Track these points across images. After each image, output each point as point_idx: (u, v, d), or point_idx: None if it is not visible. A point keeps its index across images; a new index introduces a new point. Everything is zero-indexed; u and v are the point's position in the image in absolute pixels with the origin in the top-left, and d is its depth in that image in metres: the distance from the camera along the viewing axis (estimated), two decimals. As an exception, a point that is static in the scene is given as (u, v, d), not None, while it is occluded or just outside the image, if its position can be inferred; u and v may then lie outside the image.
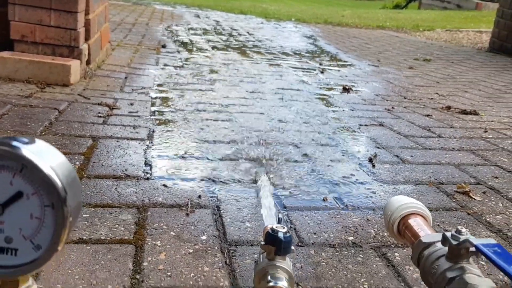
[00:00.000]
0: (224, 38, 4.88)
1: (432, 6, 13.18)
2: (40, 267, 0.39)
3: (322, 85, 2.93)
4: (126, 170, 1.34)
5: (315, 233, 1.09)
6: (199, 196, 1.22)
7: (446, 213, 1.25)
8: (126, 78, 2.55)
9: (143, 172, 1.34)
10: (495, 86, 3.38)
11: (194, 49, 3.93)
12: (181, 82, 2.59)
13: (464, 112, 2.45)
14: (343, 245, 1.05)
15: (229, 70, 3.12)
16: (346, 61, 4.06)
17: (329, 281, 0.91)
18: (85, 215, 1.06)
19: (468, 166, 1.62)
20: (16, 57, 2.17)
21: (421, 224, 0.80)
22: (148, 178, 1.30)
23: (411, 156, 1.69)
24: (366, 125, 2.06)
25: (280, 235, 0.62)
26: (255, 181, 1.35)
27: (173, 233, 1.03)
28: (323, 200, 1.28)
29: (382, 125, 2.08)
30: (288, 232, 0.64)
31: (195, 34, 4.95)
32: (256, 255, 0.96)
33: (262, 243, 0.64)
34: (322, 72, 3.39)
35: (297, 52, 4.39)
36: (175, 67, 3.03)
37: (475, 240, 0.60)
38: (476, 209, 1.28)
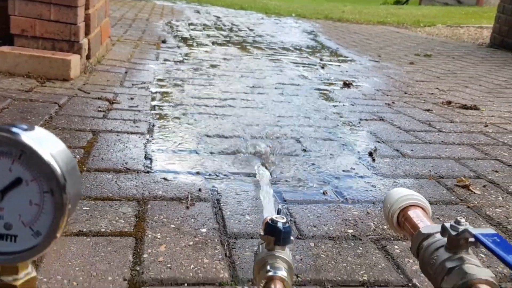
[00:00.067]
0: (225, 33, 4.88)
1: (433, 2, 13.15)
2: (39, 254, 0.39)
3: (322, 80, 2.93)
4: (126, 163, 1.34)
5: (314, 226, 1.09)
6: (199, 190, 1.22)
7: (446, 206, 1.25)
8: (126, 73, 2.55)
9: (143, 165, 1.34)
10: (495, 81, 3.38)
11: (194, 44, 3.93)
12: (181, 77, 2.59)
13: (464, 107, 2.45)
14: (342, 237, 1.05)
15: (229, 65, 3.11)
16: (347, 57, 4.05)
17: (328, 273, 0.91)
18: (85, 208, 1.06)
19: (468, 160, 1.62)
20: (16, 51, 2.17)
21: (421, 215, 0.80)
22: (148, 172, 1.30)
23: (411, 150, 1.69)
24: (366, 119, 2.06)
25: (280, 225, 0.62)
26: (255, 175, 1.35)
27: (173, 226, 1.03)
28: (323, 193, 1.28)
29: (383, 119, 2.08)
30: (288, 222, 0.64)
31: (195, 29, 4.95)
32: (256, 248, 0.96)
33: (262, 233, 0.64)
34: (322, 67, 3.38)
35: (297, 47, 4.38)
36: (175, 62, 3.03)
37: (474, 230, 0.60)
38: (476, 202, 1.29)
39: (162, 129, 1.68)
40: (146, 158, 1.40)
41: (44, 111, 1.72)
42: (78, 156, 1.34)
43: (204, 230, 1.03)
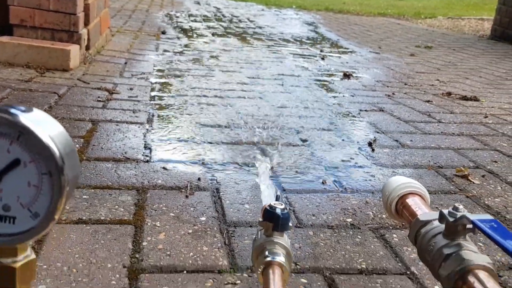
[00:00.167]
0: (225, 24, 4.86)
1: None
2: (37, 236, 0.39)
3: (322, 71, 2.92)
4: (125, 153, 1.34)
5: (313, 215, 1.10)
6: (199, 179, 1.23)
7: (445, 196, 1.26)
8: (125, 63, 2.54)
9: (142, 155, 1.34)
10: (496, 73, 3.37)
11: (194, 35, 3.92)
12: (181, 68, 2.59)
13: (464, 98, 2.45)
14: (341, 226, 1.06)
15: (229, 57, 3.11)
16: (347, 48, 4.04)
17: (327, 261, 0.91)
18: (85, 196, 1.07)
19: (468, 151, 1.62)
20: (15, 41, 2.16)
21: (419, 203, 0.80)
22: (147, 161, 1.30)
23: (411, 140, 1.69)
24: (366, 110, 2.06)
25: (278, 211, 0.62)
26: (254, 165, 1.36)
27: (173, 214, 1.03)
28: (322, 183, 1.28)
29: (382, 110, 2.08)
30: (286, 209, 0.64)
31: (195, 20, 4.93)
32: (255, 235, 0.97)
33: (260, 219, 0.64)
34: (322, 59, 3.37)
35: (297, 39, 4.36)
36: (175, 53, 3.02)
37: (472, 216, 0.60)
38: (475, 192, 1.29)
39: (161, 119, 1.68)
40: (145, 147, 1.40)
41: (43, 101, 1.71)
42: (77, 145, 1.34)
43: (203, 218, 1.03)
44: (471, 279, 0.59)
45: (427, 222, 0.71)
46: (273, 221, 0.62)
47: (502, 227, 0.57)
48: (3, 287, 0.42)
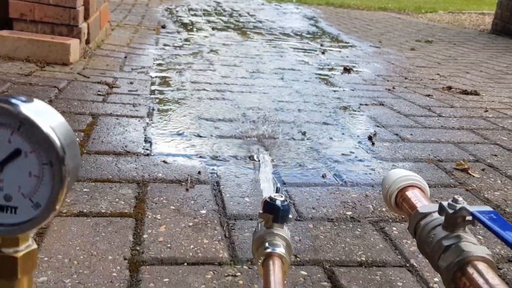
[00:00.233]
0: (225, 19, 4.85)
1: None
2: (39, 226, 0.40)
3: (323, 65, 2.92)
4: (126, 146, 1.34)
5: (313, 208, 1.10)
6: (199, 172, 1.23)
7: (445, 189, 1.26)
8: (125, 57, 2.54)
9: (143, 148, 1.34)
10: (496, 68, 3.36)
11: (194, 29, 3.91)
12: (181, 62, 2.58)
13: (465, 92, 2.44)
14: (341, 219, 1.06)
15: (229, 51, 3.10)
16: (348, 42, 4.03)
17: (327, 254, 0.92)
18: (85, 190, 1.07)
19: (468, 144, 1.63)
20: (15, 35, 2.16)
21: (419, 195, 0.81)
22: (148, 155, 1.31)
23: (411, 134, 1.69)
24: (366, 104, 2.06)
25: (278, 203, 0.62)
26: (254, 158, 1.36)
27: (173, 207, 1.03)
28: (322, 176, 1.29)
29: (383, 104, 2.08)
30: (286, 200, 0.64)
31: (195, 15, 4.92)
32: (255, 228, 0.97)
33: (260, 211, 0.65)
34: (323, 53, 3.37)
35: (298, 33, 4.36)
36: (175, 47, 3.02)
37: (471, 208, 0.61)
38: (475, 185, 1.29)
39: (161, 113, 1.68)
40: (146, 141, 1.40)
41: (43, 94, 1.71)
42: (78, 139, 1.34)
43: (203, 211, 1.03)
44: (470, 270, 0.59)
45: (426, 214, 0.72)
46: (273, 212, 0.62)
47: (501, 219, 0.57)
48: (5, 276, 0.42)
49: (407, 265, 0.91)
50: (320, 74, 2.64)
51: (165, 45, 3.04)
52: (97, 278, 0.77)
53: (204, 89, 2.06)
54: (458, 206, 0.63)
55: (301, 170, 1.32)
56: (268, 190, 0.87)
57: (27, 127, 0.37)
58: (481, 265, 0.59)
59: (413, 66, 3.16)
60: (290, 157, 1.39)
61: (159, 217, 0.98)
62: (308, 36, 4.23)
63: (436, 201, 1.19)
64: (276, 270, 0.57)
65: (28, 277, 0.44)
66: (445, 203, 0.66)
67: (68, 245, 0.86)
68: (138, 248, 0.87)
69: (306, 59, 3.05)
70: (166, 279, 0.79)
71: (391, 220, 1.07)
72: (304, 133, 1.61)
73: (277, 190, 0.67)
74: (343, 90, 2.30)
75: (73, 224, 0.92)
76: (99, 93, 1.82)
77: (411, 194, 0.81)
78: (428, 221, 0.70)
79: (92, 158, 1.24)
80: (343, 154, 1.45)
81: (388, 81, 2.61)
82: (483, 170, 1.40)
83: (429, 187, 0.88)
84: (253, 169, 1.29)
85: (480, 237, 1.03)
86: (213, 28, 4.07)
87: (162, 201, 1.06)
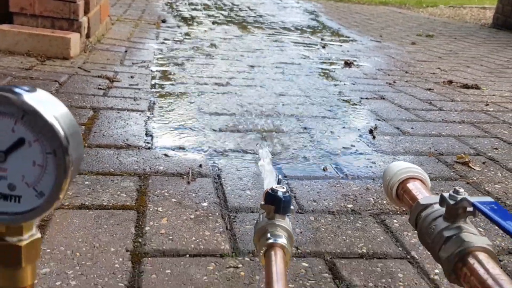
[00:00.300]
0: (225, 13, 4.84)
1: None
2: (42, 215, 0.40)
3: (323, 59, 2.91)
4: (127, 140, 1.34)
5: (314, 201, 1.10)
6: (200, 165, 1.23)
7: (445, 182, 1.26)
8: (126, 52, 2.53)
9: (144, 142, 1.34)
10: (497, 62, 3.36)
11: (195, 24, 3.90)
12: (182, 56, 2.58)
13: (465, 86, 2.44)
14: (342, 212, 1.06)
15: (229, 45, 3.10)
16: (348, 37, 4.02)
17: (328, 246, 0.92)
18: (87, 182, 1.07)
19: (468, 138, 1.63)
20: (16, 29, 2.16)
21: (420, 187, 0.81)
22: (149, 148, 1.31)
23: (412, 128, 1.69)
24: (367, 98, 2.06)
25: (280, 194, 0.63)
26: (255, 152, 1.36)
27: (175, 200, 1.04)
28: (323, 169, 1.29)
29: (383, 98, 2.08)
30: (288, 192, 0.65)
31: (195, 9, 4.91)
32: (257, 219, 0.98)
33: (262, 203, 0.65)
34: (323, 47, 3.36)
35: (298, 27, 4.35)
36: (176, 41, 3.01)
37: (472, 199, 0.61)
38: (475, 178, 1.29)
39: (162, 106, 1.68)
40: (147, 134, 1.40)
41: (44, 88, 1.70)
42: (79, 133, 1.35)
43: (205, 204, 1.04)
44: (471, 260, 0.59)
45: (427, 206, 0.72)
46: (275, 204, 0.63)
47: (502, 209, 0.57)
48: (9, 265, 0.42)
49: (408, 257, 0.91)
50: (320, 68, 2.63)
51: (165, 39, 3.04)
52: (99, 269, 0.78)
53: (205, 83, 2.06)
54: (459, 197, 0.63)
55: (302, 163, 1.32)
56: (269, 182, 0.87)
57: (31, 116, 0.37)
58: (482, 256, 0.59)
59: (414, 60, 3.15)
60: (291, 151, 1.40)
61: (160, 210, 0.99)
62: (309, 30, 4.22)
63: (437, 193, 1.19)
64: (278, 261, 0.58)
65: (32, 266, 0.44)
66: (446, 194, 0.66)
67: (70, 237, 0.86)
68: (140, 240, 0.87)
69: (306, 53, 3.05)
70: (168, 271, 0.79)
71: (392, 213, 1.08)
72: (305, 127, 1.61)
73: (279, 182, 0.67)
74: (344, 84, 2.30)
75: (75, 217, 0.93)
76: (99, 87, 1.82)
77: (412, 186, 0.82)
78: (429, 213, 0.70)
79: (93, 151, 1.24)
80: (344, 148, 1.46)
81: (388, 75, 2.61)
82: (483, 163, 1.40)
83: (430, 180, 0.88)
84: (254, 162, 1.29)
85: (481, 229, 1.03)
86: (213, 22, 4.06)
87: (164, 194, 1.06)
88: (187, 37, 3.22)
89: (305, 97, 2.00)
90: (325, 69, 2.63)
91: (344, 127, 1.65)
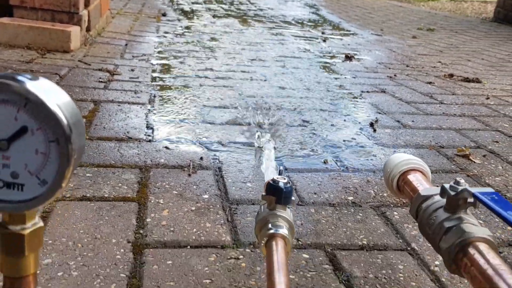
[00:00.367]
0: (225, 7, 4.82)
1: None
2: (45, 203, 0.40)
3: (324, 53, 2.91)
4: (128, 132, 1.34)
5: (315, 193, 1.10)
6: (201, 158, 1.23)
7: (446, 175, 1.26)
8: (126, 45, 2.53)
9: (145, 134, 1.35)
10: (498, 55, 3.35)
11: (195, 17, 3.89)
12: (182, 50, 2.58)
13: (466, 80, 2.44)
14: (343, 204, 1.07)
15: (230, 38, 3.09)
16: (349, 30, 4.02)
17: (328, 237, 0.92)
18: (88, 174, 1.07)
19: (469, 131, 1.63)
20: (16, 22, 2.15)
21: (420, 179, 0.81)
22: (150, 141, 1.31)
23: (412, 121, 1.69)
24: (368, 91, 2.06)
25: (281, 184, 0.63)
26: (256, 145, 1.36)
27: (176, 192, 1.04)
28: (324, 162, 1.29)
29: (384, 91, 2.08)
30: (289, 183, 0.65)
31: (196, 2, 4.89)
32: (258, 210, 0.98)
33: (263, 194, 0.65)
34: (324, 41, 3.36)
35: (299, 21, 4.33)
36: (176, 35, 3.01)
37: (473, 189, 0.61)
38: (476, 171, 1.29)
39: (163, 99, 1.68)
40: (147, 127, 1.40)
41: (45, 81, 1.71)
42: (80, 125, 1.35)
43: (206, 196, 1.04)
44: (472, 251, 0.59)
45: (428, 197, 0.72)
46: (276, 194, 0.63)
47: (503, 199, 0.57)
48: (12, 253, 0.43)
49: (408, 248, 0.91)
50: (321, 62, 2.63)
51: (165, 32, 3.03)
52: (101, 260, 0.78)
53: (206, 77, 2.05)
54: (460, 188, 0.64)
55: (302, 156, 1.32)
56: (270, 174, 0.87)
57: (34, 104, 0.37)
58: (482, 246, 0.59)
59: (415, 54, 3.15)
60: (291, 143, 1.40)
61: (162, 202, 0.99)
62: (309, 24, 4.21)
63: (437, 186, 1.19)
64: (279, 251, 0.58)
65: (35, 255, 0.44)
66: (447, 185, 0.66)
67: (72, 228, 0.86)
68: (141, 231, 0.88)
69: (307, 47, 3.04)
70: (170, 262, 0.80)
71: (392, 205, 1.08)
72: (305, 120, 1.61)
73: (280, 173, 0.67)
74: (345, 78, 2.30)
75: (76, 208, 0.93)
76: (100, 80, 1.82)
77: (413, 177, 0.82)
78: (429, 204, 0.70)
79: (94, 144, 1.25)
80: (344, 141, 1.46)
81: (389, 68, 2.61)
82: (484, 156, 1.41)
83: (431, 173, 0.89)
84: (255, 155, 1.29)
85: (481, 221, 1.03)
86: (214, 16, 4.05)
87: (165, 186, 1.06)
88: (187, 30, 3.22)
89: (306, 90, 2.00)
90: (326, 63, 2.62)
91: (344, 120, 1.65)
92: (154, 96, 1.70)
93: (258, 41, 3.08)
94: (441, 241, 0.64)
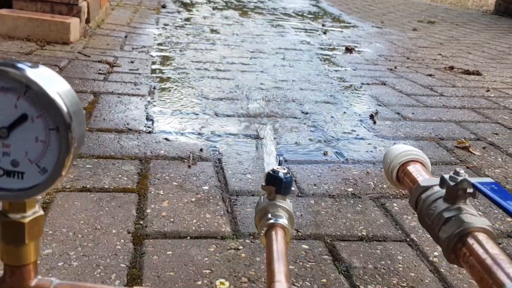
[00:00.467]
0: (225, -1, 4.80)
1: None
2: (45, 191, 0.40)
3: (324, 45, 2.90)
4: (128, 124, 1.34)
5: (315, 185, 1.11)
6: (201, 150, 1.23)
7: (446, 166, 1.26)
8: (126, 37, 2.52)
9: (144, 126, 1.35)
10: (499, 48, 3.34)
11: (195, 9, 3.87)
12: (182, 42, 2.57)
13: (467, 72, 2.44)
14: (342, 195, 1.07)
15: (230, 30, 3.08)
16: (349, 23, 4.00)
17: (328, 228, 0.93)
18: (88, 166, 1.07)
19: (469, 123, 1.63)
20: (15, 14, 2.14)
21: (420, 170, 0.81)
22: (150, 132, 1.31)
23: (413, 113, 1.69)
24: (368, 84, 2.05)
25: (281, 175, 0.63)
26: (256, 136, 1.36)
27: (176, 183, 1.04)
28: (324, 154, 1.29)
29: (384, 84, 2.08)
30: (289, 173, 0.65)
31: (195, -6, 4.87)
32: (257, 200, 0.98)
33: (263, 184, 0.65)
34: (324, 33, 3.34)
35: (299, 13, 4.32)
36: (176, 27, 3.00)
37: (473, 179, 0.61)
38: (476, 163, 1.30)
39: (163, 91, 1.68)
40: (147, 119, 1.40)
41: (44, 73, 1.71)
42: (80, 117, 1.35)
43: (206, 187, 1.04)
44: (470, 241, 0.59)
45: (428, 188, 0.72)
46: (276, 184, 0.63)
47: (502, 189, 0.57)
48: (13, 242, 0.43)
49: (408, 239, 0.92)
50: (322, 54, 2.62)
51: (165, 24, 3.02)
52: (101, 250, 0.78)
53: (206, 69, 2.05)
54: (460, 178, 0.64)
55: (302, 148, 1.32)
56: (270, 165, 0.87)
57: (34, 92, 0.37)
58: (481, 236, 0.59)
59: (415, 46, 3.14)
60: (292, 135, 1.40)
61: (161, 193, 0.99)
62: (310, 16, 4.20)
63: (437, 177, 1.20)
64: (279, 240, 0.58)
65: (35, 243, 0.44)
66: (446, 176, 0.66)
67: (72, 219, 0.86)
68: (141, 222, 0.88)
69: (307, 39, 3.04)
70: (170, 252, 0.80)
71: (392, 197, 1.08)
72: (305, 112, 1.61)
73: (280, 163, 0.67)
74: (345, 70, 2.29)
75: (76, 199, 0.93)
76: (100, 71, 1.82)
77: (413, 168, 0.82)
78: (429, 194, 0.71)
79: (94, 135, 1.25)
80: (344, 133, 1.46)
81: (390, 61, 2.60)
82: (484, 148, 1.41)
83: (430, 164, 0.89)
84: (255, 146, 1.29)
85: (480, 213, 1.03)
86: (213, 8, 4.04)
87: (165, 177, 1.06)
88: (187, 22, 3.21)
89: (306, 82, 1.99)
90: (326, 55, 2.62)
91: (345, 112, 1.64)
92: (154, 88, 1.70)
93: (258, 33, 3.07)
94: (440, 231, 0.64)
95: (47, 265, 0.73)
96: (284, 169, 0.65)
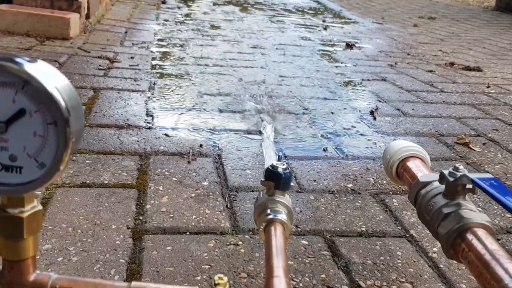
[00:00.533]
0: (226, -6, 4.79)
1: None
2: (43, 185, 0.40)
3: (325, 41, 2.89)
4: (127, 120, 1.34)
5: (315, 181, 1.10)
6: (201, 145, 1.23)
7: (446, 162, 1.26)
8: (126, 32, 2.52)
9: (144, 122, 1.34)
10: (500, 44, 3.34)
11: (195, 5, 3.87)
12: (182, 37, 2.56)
13: (467, 68, 2.43)
14: (342, 191, 1.07)
15: (230, 26, 3.07)
16: (350, 18, 3.99)
17: (327, 224, 0.93)
18: (88, 161, 1.07)
19: (469, 119, 1.63)
20: (15, 9, 2.14)
21: (420, 166, 0.81)
22: (149, 128, 1.31)
23: (413, 109, 1.69)
24: (368, 79, 2.05)
25: (280, 170, 0.63)
26: (256, 132, 1.36)
27: (175, 179, 1.04)
28: (324, 150, 1.29)
29: (385, 80, 2.07)
30: (288, 169, 0.65)
31: (196, -10, 4.86)
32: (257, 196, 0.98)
33: (262, 179, 0.65)
34: (325, 29, 3.34)
35: (300, 9, 4.31)
36: (176, 22, 2.99)
37: (472, 175, 0.61)
38: (476, 159, 1.29)
39: (163, 87, 1.68)
40: (147, 115, 1.40)
41: (44, 69, 1.71)
42: (79, 112, 1.35)
43: (205, 183, 1.04)
44: (470, 236, 0.60)
45: (427, 183, 0.72)
46: (275, 180, 0.63)
47: (501, 185, 0.57)
48: (11, 237, 0.43)
49: (407, 235, 0.92)
50: (322, 50, 2.62)
51: (165, 20, 3.01)
52: (101, 246, 0.78)
53: (206, 64, 2.05)
54: (459, 174, 0.63)
55: (302, 143, 1.32)
56: (269, 161, 0.87)
57: (32, 86, 0.37)
58: (481, 232, 0.59)
59: (416, 42, 3.13)
60: (291, 131, 1.40)
61: (161, 188, 0.99)
62: (310, 12, 4.19)
63: (437, 173, 1.20)
64: (278, 236, 0.58)
65: (34, 238, 0.44)
66: (446, 172, 0.66)
67: (71, 214, 0.87)
68: (141, 217, 0.88)
69: (308, 35, 3.03)
70: (169, 247, 0.80)
71: (391, 193, 1.08)
72: (306, 108, 1.61)
73: (279, 159, 0.67)
74: (345, 66, 2.29)
75: (76, 195, 0.93)
76: (100, 67, 1.82)
77: (412, 164, 0.82)
78: (428, 190, 0.70)
79: (94, 131, 1.24)
80: (344, 128, 1.45)
81: (390, 57, 2.60)
82: (484, 144, 1.40)
83: (430, 160, 0.89)
84: (255, 142, 1.29)
85: (480, 209, 1.03)
86: (214, 4, 4.03)
87: (164, 173, 1.06)
88: (187, 18, 3.20)
89: (307, 78, 1.99)
90: (327, 51, 2.61)
91: (345, 108, 1.64)
92: (154, 84, 1.70)
93: (258, 29, 3.06)
94: (439, 227, 0.64)
95: (46, 260, 0.74)
96: (283, 164, 0.65)
